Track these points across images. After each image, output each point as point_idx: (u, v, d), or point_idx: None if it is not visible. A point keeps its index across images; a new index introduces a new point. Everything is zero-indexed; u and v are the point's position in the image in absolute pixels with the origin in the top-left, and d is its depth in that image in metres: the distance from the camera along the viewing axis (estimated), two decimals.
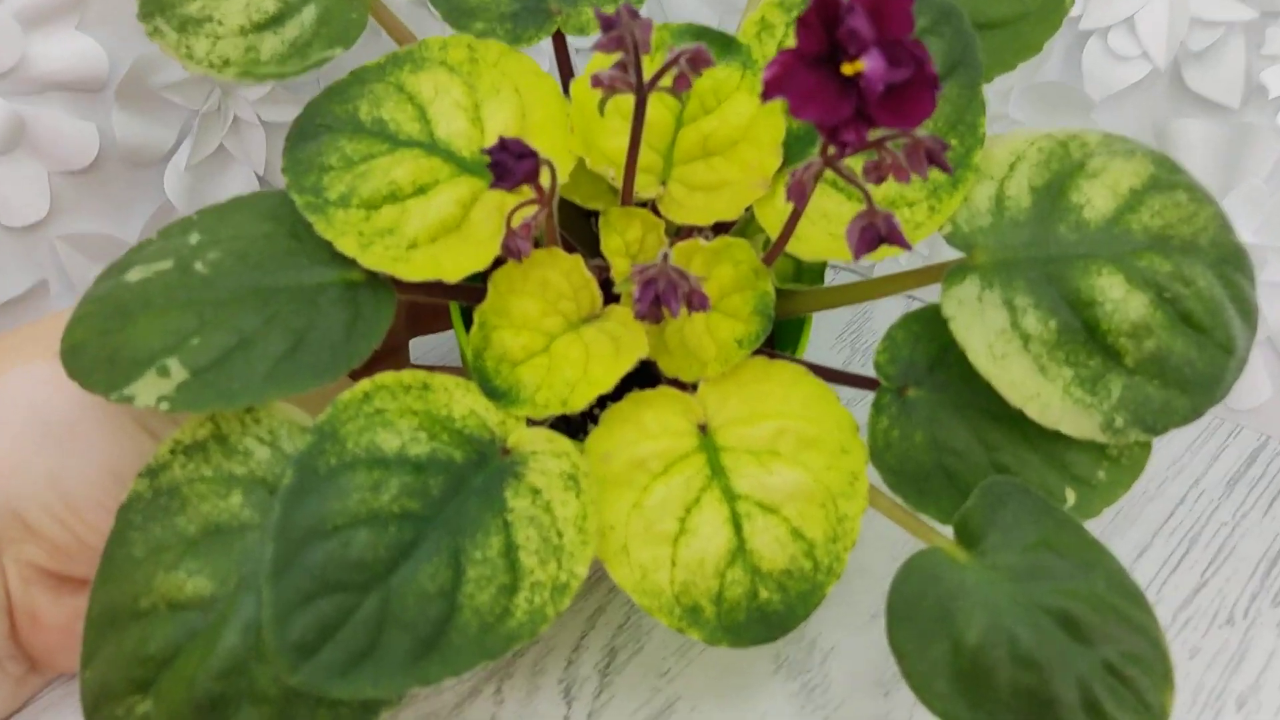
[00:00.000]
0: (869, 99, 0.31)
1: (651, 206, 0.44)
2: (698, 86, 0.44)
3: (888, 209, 0.37)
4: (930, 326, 0.43)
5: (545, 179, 0.38)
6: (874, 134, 0.34)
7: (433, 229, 0.41)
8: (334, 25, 0.46)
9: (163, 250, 0.40)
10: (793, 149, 0.44)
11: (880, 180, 0.37)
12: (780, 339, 0.50)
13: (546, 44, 0.48)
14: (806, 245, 0.43)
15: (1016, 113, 0.63)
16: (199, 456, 0.38)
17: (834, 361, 0.64)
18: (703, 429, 0.41)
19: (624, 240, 0.43)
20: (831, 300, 0.45)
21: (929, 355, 0.43)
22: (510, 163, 0.36)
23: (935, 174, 0.42)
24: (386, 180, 0.41)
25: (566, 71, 0.49)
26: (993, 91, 0.58)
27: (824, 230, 0.43)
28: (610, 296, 0.43)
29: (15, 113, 0.49)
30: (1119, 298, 0.39)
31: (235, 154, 0.58)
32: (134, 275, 0.39)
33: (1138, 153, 0.42)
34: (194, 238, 0.41)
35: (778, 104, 0.44)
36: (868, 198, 0.37)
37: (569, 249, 0.42)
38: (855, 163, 0.39)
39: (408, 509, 0.36)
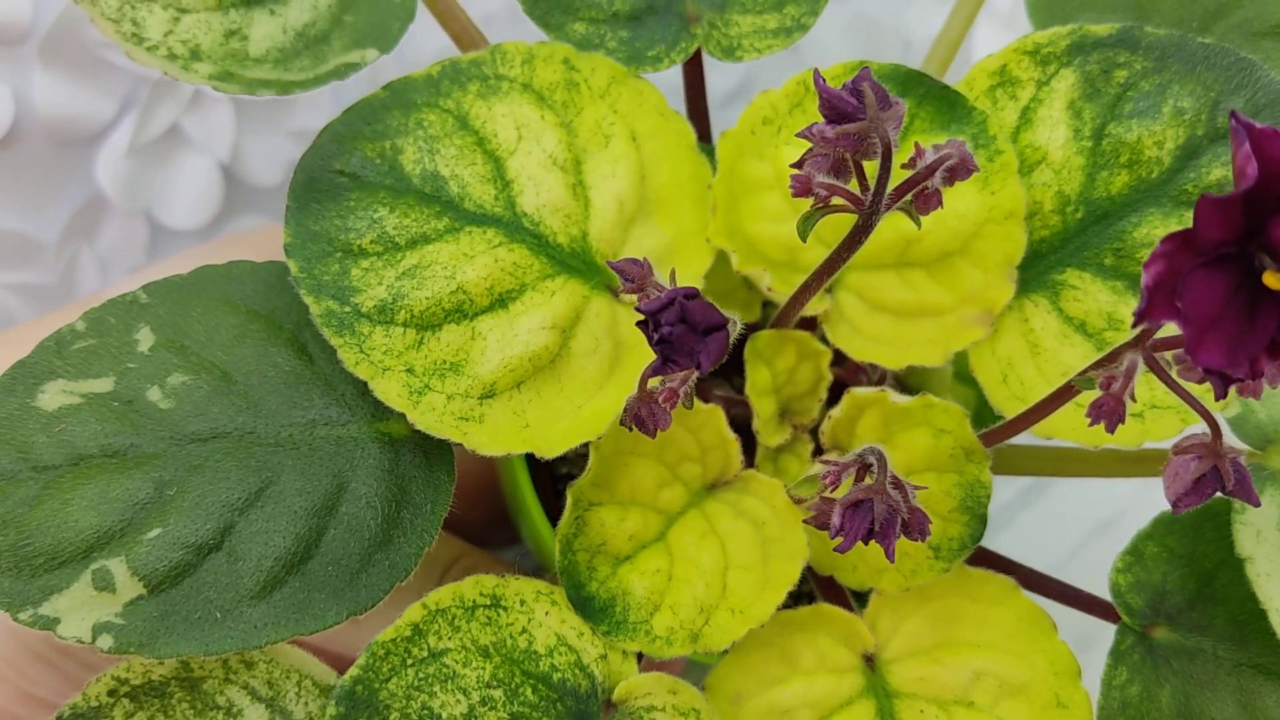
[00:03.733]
0: None
1: (810, 324, 0.35)
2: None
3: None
4: (1193, 541, 0.34)
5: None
6: None
7: (518, 366, 0.32)
8: (365, 10, 0.34)
9: (96, 356, 0.31)
10: (1029, 272, 0.35)
11: (1204, 380, 0.26)
12: None
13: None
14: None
15: None
16: (155, 707, 0.29)
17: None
18: (869, 661, 0.34)
19: (771, 372, 0.35)
20: (1033, 466, 0.37)
21: (1190, 585, 0.34)
22: (689, 340, 0.25)
23: None
24: (450, 284, 0.32)
25: (700, 111, 0.38)
26: None
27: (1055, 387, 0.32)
28: (746, 447, 0.35)
29: None
30: None
31: (193, 136, 0.50)
32: (51, 399, 0.30)
33: None
34: (144, 338, 0.31)
35: (1013, 204, 0.32)
36: (1211, 424, 0.26)
37: (702, 393, 0.34)
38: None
39: None
